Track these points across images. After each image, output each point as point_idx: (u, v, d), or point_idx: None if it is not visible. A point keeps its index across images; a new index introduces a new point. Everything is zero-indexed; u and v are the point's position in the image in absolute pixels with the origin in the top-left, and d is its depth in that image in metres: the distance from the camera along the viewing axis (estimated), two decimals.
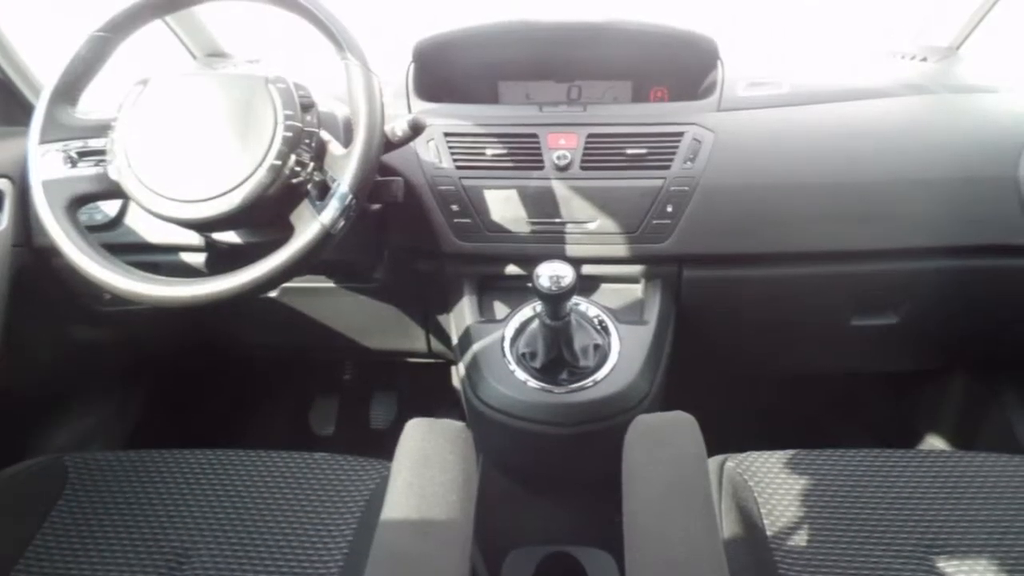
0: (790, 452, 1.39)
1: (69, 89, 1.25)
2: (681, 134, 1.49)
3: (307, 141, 1.19)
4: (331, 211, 1.14)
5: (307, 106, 1.21)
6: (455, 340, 1.56)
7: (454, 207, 1.51)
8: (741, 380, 2.25)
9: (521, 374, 1.42)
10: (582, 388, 1.39)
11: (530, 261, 1.42)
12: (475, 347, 1.48)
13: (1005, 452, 1.38)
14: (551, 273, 1.21)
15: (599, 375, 1.41)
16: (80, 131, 1.25)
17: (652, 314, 1.52)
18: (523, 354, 1.44)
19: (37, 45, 1.70)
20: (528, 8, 1.66)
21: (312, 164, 1.18)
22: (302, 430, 2.49)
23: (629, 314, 1.55)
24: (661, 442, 1.12)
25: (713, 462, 1.37)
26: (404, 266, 1.62)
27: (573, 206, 1.49)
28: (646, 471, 1.07)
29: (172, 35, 1.91)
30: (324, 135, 1.23)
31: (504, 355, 1.45)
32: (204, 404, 2.38)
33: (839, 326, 1.67)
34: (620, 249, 1.51)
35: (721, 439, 1.34)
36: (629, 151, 1.48)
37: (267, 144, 1.15)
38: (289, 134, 1.16)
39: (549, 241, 1.52)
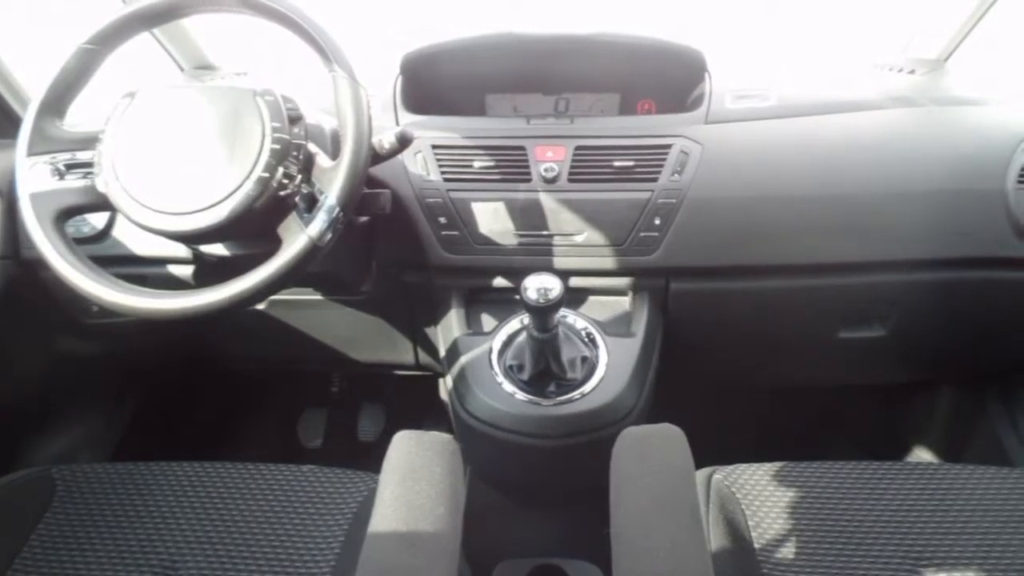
0: (778, 464, 1.39)
1: (57, 101, 1.24)
2: (669, 146, 1.50)
3: (295, 153, 1.18)
4: (318, 223, 1.14)
5: (295, 118, 1.21)
6: (443, 352, 1.55)
7: (442, 219, 1.51)
8: (729, 392, 2.25)
9: (509, 386, 1.41)
10: (570, 400, 1.39)
11: (518, 273, 1.42)
12: (463, 359, 1.48)
13: (993, 464, 1.39)
14: (539, 285, 1.21)
15: (587, 387, 1.41)
16: (68, 143, 1.25)
17: (640, 326, 1.52)
18: (511, 366, 1.44)
19: (25, 57, 1.70)
20: (516, 21, 1.67)
21: (300, 176, 1.18)
22: (290, 442, 2.49)
23: (617, 326, 1.55)
24: (649, 454, 1.12)
25: (701, 474, 1.38)
26: (392, 278, 1.62)
27: (561, 218, 1.49)
28: (634, 483, 1.07)
29: (160, 47, 1.91)
30: (312, 147, 1.23)
31: (492, 367, 1.45)
32: (192, 416, 2.37)
33: (827, 338, 1.67)
34: (608, 261, 1.51)
35: (709, 451, 1.34)
36: (617, 163, 1.49)
37: (255, 156, 1.14)
38: (277, 146, 1.15)
39: (537, 253, 1.52)
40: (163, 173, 1.17)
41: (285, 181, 1.16)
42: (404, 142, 1.29)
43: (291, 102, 1.24)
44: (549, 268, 1.49)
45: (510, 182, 1.51)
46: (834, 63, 1.93)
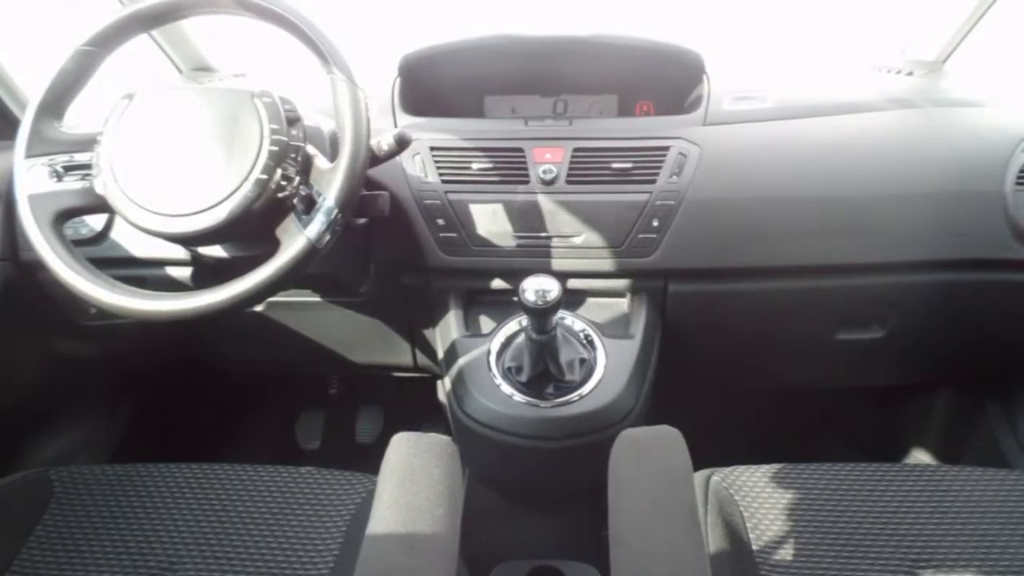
0: (776, 466, 1.39)
1: (55, 103, 1.24)
2: (667, 148, 1.50)
3: (293, 155, 1.18)
4: (317, 225, 1.14)
5: (293, 120, 1.21)
6: (441, 354, 1.55)
7: (440, 221, 1.51)
8: (727, 394, 2.25)
9: (507, 388, 1.41)
10: (568, 402, 1.39)
11: (516, 275, 1.42)
12: (461, 361, 1.48)
13: (991, 465, 1.39)
14: (537, 287, 1.21)
15: (585, 389, 1.40)
16: (66, 145, 1.25)
17: (638, 328, 1.52)
18: (509, 368, 1.44)
19: (23, 58, 1.70)
20: (514, 22, 1.67)
21: (298, 178, 1.18)
22: (288, 444, 2.48)
23: (615, 328, 1.55)
24: (647, 456, 1.11)
25: (699, 476, 1.38)
26: (390, 280, 1.62)
27: (559, 220, 1.49)
28: (632, 485, 1.07)
29: (158, 49, 1.91)
30: (310, 149, 1.23)
31: (490, 369, 1.45)
32: (190, 418, 2.37)
33: (825, 340, 1.67)
34: (606, 263, 1.51)
35: (707, 453, 1.34)
36: (615, 165, 1.48)
37: (253, 158, 1.14)
38: (275, 148, 1.15)
39: (535, 255, 1.51)
40: (161, 175, 1.17)
41: (283, 183, 1.16)
42: (402, 144, 1.29)
43: (289, 104, 1.24)
44: (547, 270, 1.50)
45: (508, 184, 1.51)
46: (832, 65, 1.93)
